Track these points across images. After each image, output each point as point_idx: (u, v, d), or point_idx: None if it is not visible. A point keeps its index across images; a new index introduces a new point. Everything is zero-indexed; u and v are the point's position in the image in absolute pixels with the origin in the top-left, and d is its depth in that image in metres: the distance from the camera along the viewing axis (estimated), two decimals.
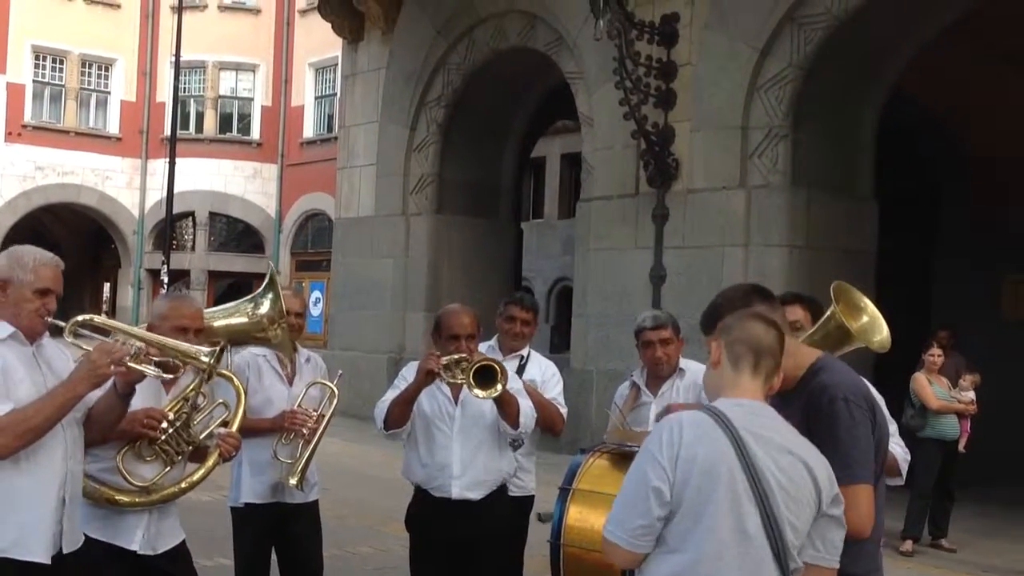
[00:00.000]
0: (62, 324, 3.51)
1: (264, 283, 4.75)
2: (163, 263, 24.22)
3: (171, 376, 3.70)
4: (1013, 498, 10.84)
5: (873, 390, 3.24)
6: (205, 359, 3.66)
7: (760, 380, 2.69)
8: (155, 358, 3.56)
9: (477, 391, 4.28)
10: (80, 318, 3.56)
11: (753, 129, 10.79)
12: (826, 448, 2.84)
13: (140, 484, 3.77)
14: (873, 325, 3.61)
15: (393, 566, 6.89)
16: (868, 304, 3.64)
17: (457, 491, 4.48)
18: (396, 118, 15.40)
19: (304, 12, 28.80)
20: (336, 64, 22.52)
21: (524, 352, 5.31)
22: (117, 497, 3.78)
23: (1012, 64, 12.86)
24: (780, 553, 2.51)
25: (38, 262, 3.47)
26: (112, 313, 33.89)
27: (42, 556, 3.37)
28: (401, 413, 4.51)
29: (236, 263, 32.61)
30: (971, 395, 9.25)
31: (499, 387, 4.27)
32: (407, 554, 4.75)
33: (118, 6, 32.67)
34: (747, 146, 10.81)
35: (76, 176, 32.03)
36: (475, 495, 4.50)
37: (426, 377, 4.39)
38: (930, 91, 13.23)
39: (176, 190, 24.58)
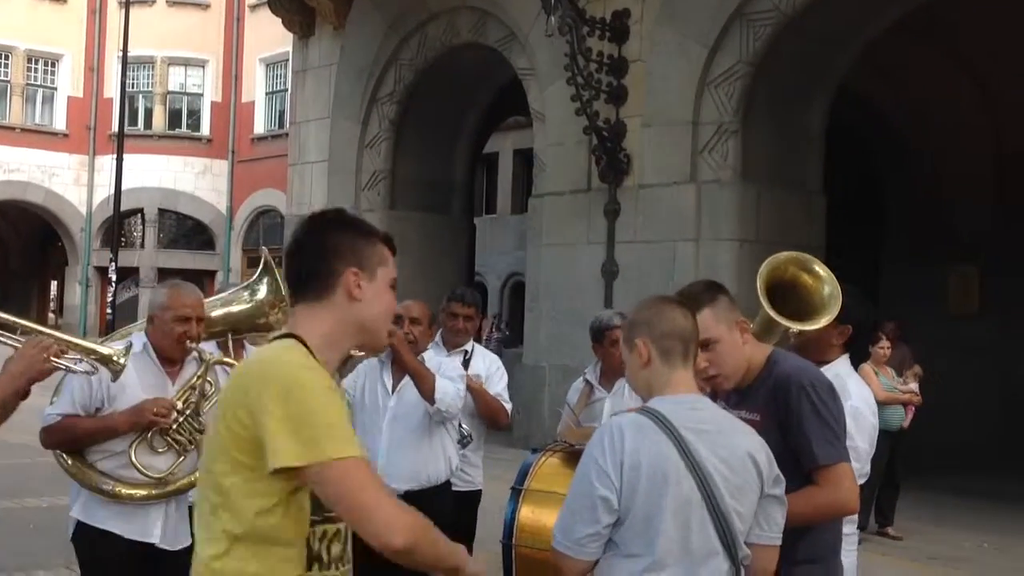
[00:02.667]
0: None
1: (259, 268, 4.72)
2: (111, 261, 23.91)
3: (85, 372, 3.61)
4: (957, 487, 11.06)
5: None
6: (122, 360, 3.62)
7: (690, 368, 2.69)
8: (70, 355, 3.57)
9: None
10: None
11: (703, 125, 10.89)
12: (804, 431, 2.94)
13: (156, 476, 3.82)
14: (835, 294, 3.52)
15: None
16: (825, 272, 3.57)
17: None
18: (348, 114, 15.35)
19: (254, 7, 28.58)
20: (287, 59, 22.38)
21: (468, 347, 5.33)
22: (134, 492, 3.82)
23: (951, 59, 13.10)
24: (729, 544, 2.56)
25: None
26: (60, 312, 33.43)
27: None
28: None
29: (186, 260, 32.27)
30: (914, 386, 9.43)
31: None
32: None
33: (64, 1, 32.22)
34: (697, 142, 10.90)
35: (22, 173, 31.53)
36: (399, 486, 4.41)
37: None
38: (875, 87, 13.45)
39: (125, 187, 24.29)
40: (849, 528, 3.53)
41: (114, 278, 23.96)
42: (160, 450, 3.84)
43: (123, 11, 24.69)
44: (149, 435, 3.81)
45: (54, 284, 35.03)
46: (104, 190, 30.26)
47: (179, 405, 3.86)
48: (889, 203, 14.81)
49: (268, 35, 25.28)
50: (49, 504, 8.09)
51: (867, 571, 3.65)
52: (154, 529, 3.88)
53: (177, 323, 3.89)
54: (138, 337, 3.99)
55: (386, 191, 15.06)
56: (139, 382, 3.86)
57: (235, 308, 4.62)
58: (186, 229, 32.61)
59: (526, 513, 4.10)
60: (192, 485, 3.86)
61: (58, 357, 3.46)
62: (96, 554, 3.86)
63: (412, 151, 15.09)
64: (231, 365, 4.08)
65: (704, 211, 10.77)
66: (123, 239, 29.23)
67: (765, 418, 2.94)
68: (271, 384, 2.10)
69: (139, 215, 31.81)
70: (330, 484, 2.09)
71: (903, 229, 14.42)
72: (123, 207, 24.94)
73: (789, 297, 3.54)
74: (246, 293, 4.66)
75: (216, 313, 4.46)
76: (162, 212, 31.95)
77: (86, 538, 3.88)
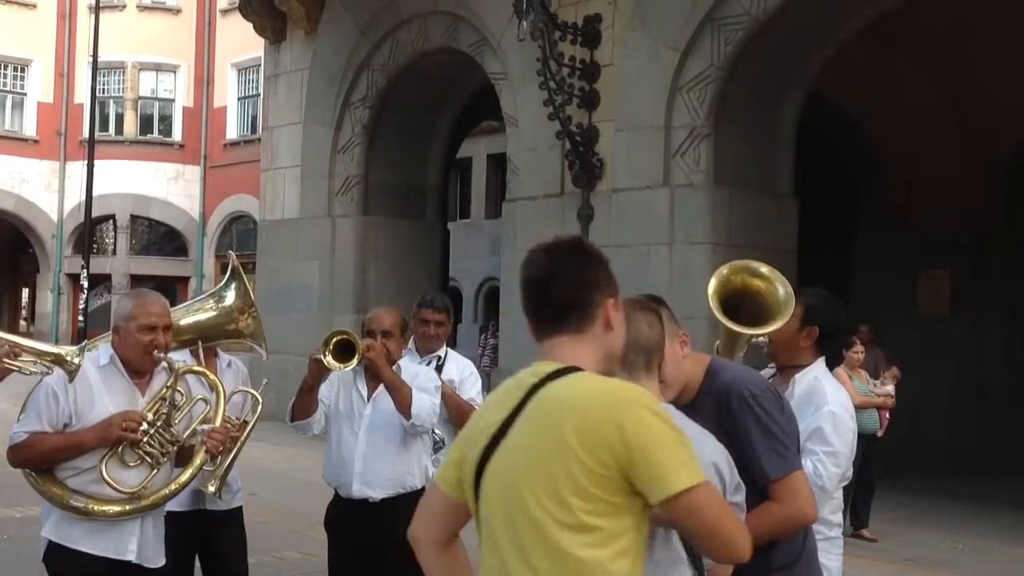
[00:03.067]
0: None
1: (227, 273, 4.62)
2: (83, 267, 23.72)
3: (40, 373, 3.63)
4: (931, 488, 11.12)
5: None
6: (69, 358, 3.62)
7: (655, 377, 2.65)
8: (26, 358, 3.63)
9: (332, 360, 4.37)
10: None
11: (675, 128, 10.91)
12: (750, 445, 2.85)
13: (128, 491, 3.69)
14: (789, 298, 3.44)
15: (320, 571, 6.79)
16: (772, 272, 3.51)
17: (357, 488, 4.49)
18: (320, 119, 15.29)
19: (225, 12, 28.44)
20: (259, 64, 22.28)
21: (441, 352, 5.32)
22: (107, 508, 3.69)
23: (917, 65, 13.21)
24: (694, 553, 2.53)
25: None
26: (32, 319, 33.15)
27: None
28: (303, 404, 4.58)
29: (159, 267, 32.07)
30: (890, 388, 9.47)
31: (355, 360, 4.37)
32: None
33: (34, 6, 31.96)
34: (670, 146, 10.93)
35: None
36: (375, 494, 4.48)
37: (312, 365, 4.47)
38: (843, 91, 13.53)
39: (96, 193, 24.10)
40: (835, 532, 3.50)
41: (86, 285, 23.77)
42: (132, 464, 3.72)
43: (93, 16, 24.51)
44: (120, 449, 3.69)
45: (25, 291, 34.73)
46: (75, 196, 30.01)
47: (149, 417, 3.74)
48: (860, 206, 14.90)
49: (240, 40, 25.16)
50: (22, 515, 8.00)
51: (843, 573, 3.62)
52: (129, 545, 3.76)
53: (143, 332, 3.78)
54: (105, 348, 3.87)
55: (359, 196, 15.02)
56: (108, 395, 3.75)
57: (204, 315, 4.54)
58: (159, 235, 32.40)
59: None
60: (168, 498, 3.81)
61: (12, 359, 3.57)
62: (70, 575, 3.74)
63: (385, 156, 15.06)
64: (203, 374, 4.03)
65: (677, 215, 10.79)
66: (95, 246, 29.02)
67: (716, 432, 2.76)
68: (635, 412, 2.08)
69: (111, 221, 31.58)
70: (702, 506, 2.09)
71: (874, 232, 14.51)
72: (95, 213, 24.77)
73: (747, 306, 3.51)
74: (213, 300, 4.57)
75: (185, 321, 4.37)
76: (134, 218, 31.73)
77: (59, 559, 3.76)
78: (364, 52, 14.59)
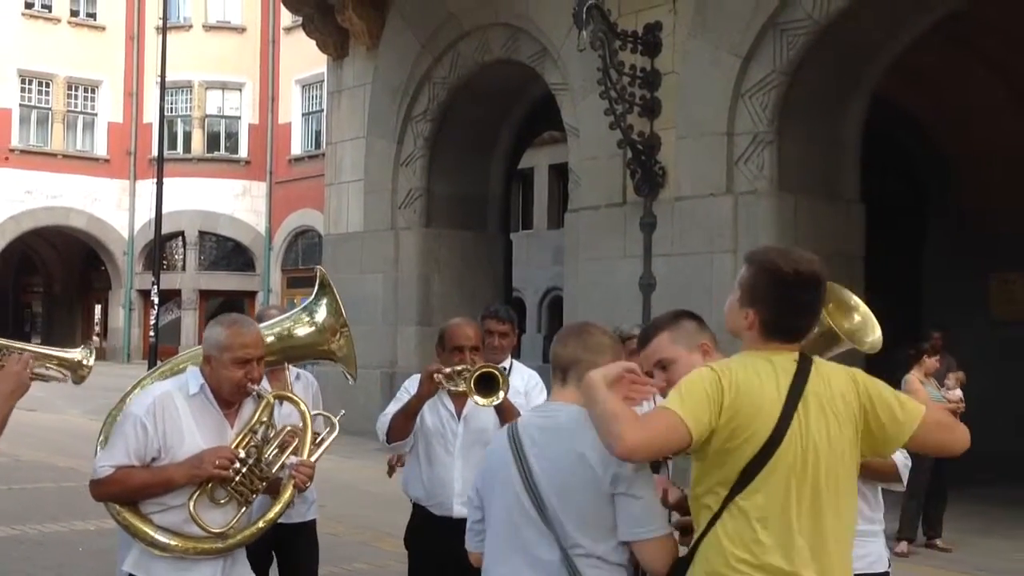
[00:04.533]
0: None
1: (316, 288, 4.34)
2: (153, 283, 24.17)
3: (61, 379, 3.59)
4: (1006, 497, 10.88)
5: None
6: (85, 361, 3.60)
7: (570, 387, 2.91)
8: (45, 366, 3.57)
9: (478, 398, 4.23)
10: None
11: (738, 135, 10.84)
12: None
13: (216, 530, 3.50)
14: (865, 325, 3.49)
15: None
16: (860, 304, 3.52)
17: (458, 509, 4.37)
18: (383, 133, 15.44)
19: (289, 29, 28.84)
20: (322, 80, 22.55)
21: (506, 363, 5.32)
22: (193, 546, 3.51)
23: (985, 65, 12.97)
24: (556, 533, 2.74)
25: None
26: (104, 335, 33.85)
27: None
28: (403, 425, 4.49)
29: (227, 281, 32.59)
30: (959, 393, 9.30)
31: (501, 394, 4.23)
32: (403, 570, 4.73)
33: (103, 28, 32.72)
34: (733, 152, 10.85)
35: (65, 199, 32.01)
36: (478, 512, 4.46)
37: (428, 383, 4.35)
38: (910, 93, 13.33)
39: (165, 210, 24.57)
40: (876, 524, 3.61)
41: (156, 301, 24.21)
42: (221, 502, 3.53)
43: (160, 36, 25.00)
44: (209, 486, 3.50)
45: (98, 308, 35.46)
46: (145, 214, 30.65)
47: (241, 454, 3.53)
48: (929, 208, 14.66)
49: (303, 57, 25.52)
50: (96, 527, 8.16)
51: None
52: None
53: (237, 366, 3.54)
54: (194, 376, 3.64)
55: (422, 209, 15.12)
56: (197, 428, 3.54)
57: (294, 335, 4.25)
58: (226, 251, 32.92)
59: None
60: (255, 536, 3.62)
61: (31, 370, 3.49)
62: None
63: (447, 168, 15.15)
64: (294, 402, 3.80)
65: (741, 222, 10.71)
66: (164, 262, 29.56)
67: None
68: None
69: (180, 238, 32.17)
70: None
71: (944, 235, 14.26)
72: (164, 230, 25.24)
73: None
74: (305, 316, 4.31)
75: (271, 340, 4.08)
76: (202, 234, 32.30)
77: None
78: (425, 66, 14.71)
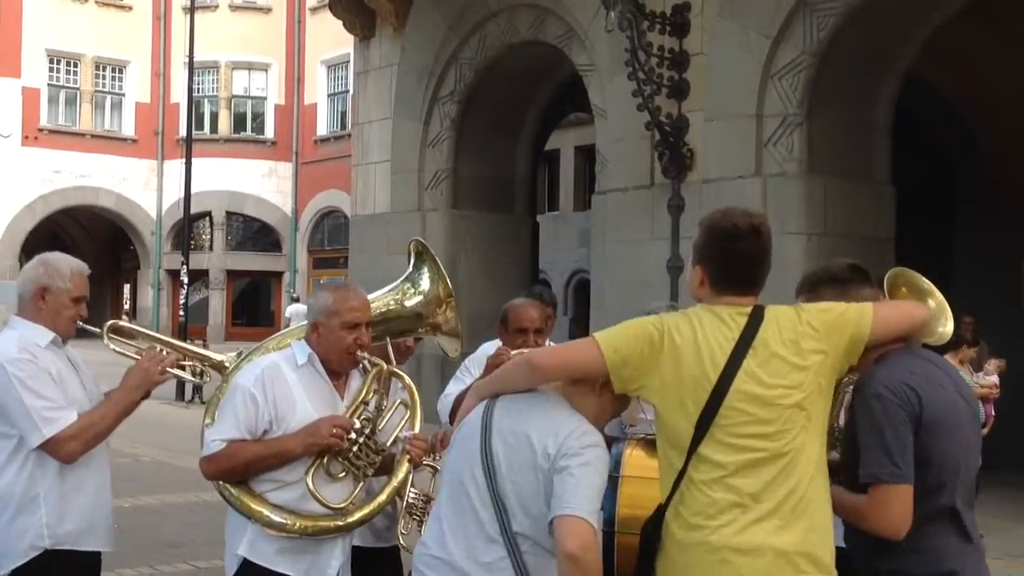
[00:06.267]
0: (96, 330, 3.74)
1: (413, 259, 4.13)
2: (183, 264, 24.29)
3: (199, 381, 3.73)
4: None
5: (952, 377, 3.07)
6: (228, 364, 3.67)
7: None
8: (182, 363, 3.75)
9: None
10: (112, 323, 3.80)
11: (767, 117, 10.75)
12: (862, 441, 2.85)
13: (336, 506, 3.35)
14: (939, 314, 3.19)
15: None
16: (934, 290, 3.22)
17: None
18: (409, 114, 15.41)
19: (315, 10, 28.86)
20: (348, 61, 22.55)
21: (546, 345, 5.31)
22: (312, 524, 3.34)
23: (1018, 46, 12.78)
24: (501, 514, 2.74)
25: (74, 271, 3.71)
26: (133, 314, 34.10)
27: (107, 546, 3.76)
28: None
29: (254, 262, 32.78)
30: (994, 379, 9.25)
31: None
32: None
33: (130, 8, 32.83)
34: (762, 134, 10.77)
35: (93, 178, 32.24)
36: None
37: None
38: (942, 76, 13.17)
39: (193, 190, 24.66)
40: None
41: (186, 280, 24.34)
42: (340, 476, 3.37)
43: (187, 17, 25.05)
44: (325, 460, 3.34)
45: (127, 288, 35.73)
46: (173, 194, 30.82)
47: (356, 424, 3.39)
48: (961, 192, 14.51)
49: (329, 37, 25.52)
50: (131, 505, 8.23)
51: None
52: (328, 569, 3.44)
53: (346, 330, 3.41)
54: (300, 347, 3.48)
55: (448, 190, 15.11)
56: (308, 399, 3.39)
57: (401, 307, 4.01)
58: (253, 231, 33.08)
59: (625, 500, 4.10)
60: (375, 513, 3.47)
61: (172, 367, 3.67)
62: None
63: (474, 150, 15.12)
64: (396, 373, 3.59)
65: (770, 205, 10.62)
66: (192, 242, 29.73)
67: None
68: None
69: (207, 218, 32.33)
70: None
71: (976, 218, 14.11)
72: (192, 210, 25.35)
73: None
74: (408, 288, 4.08)
75: (377, 313, 3.83)
76: (229, 215, 32.46)
77: None
78: (452, 47, 14.66)
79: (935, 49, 11.48)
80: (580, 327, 22.59)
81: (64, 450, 3.52)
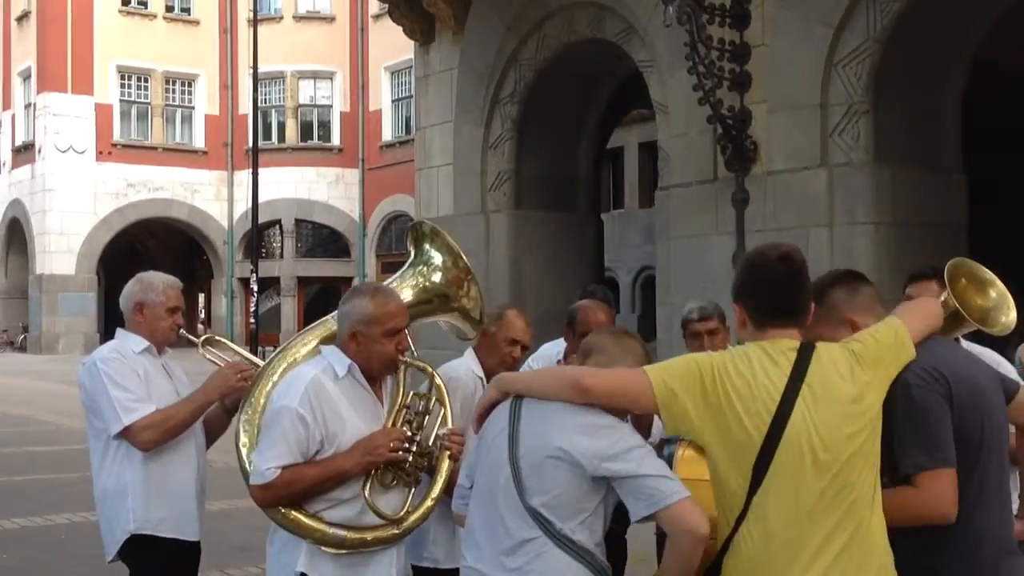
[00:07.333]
0: (195, 339, 4.19)
1: (427, 238, 4.05)
2: (252, 272, 24.66)
3: None
4: None
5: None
6: None
7: None
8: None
9: None
10: (206, 336, 4.24)
11: (832, 106, 10.58)
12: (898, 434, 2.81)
13: (392, 516, 3.32)
14: (1001, 304, 3.20)
15: None
16: (995, 280, 3.21)
17: None
18: (470, 117, 15.45)
19: (377, 17, 29.11)
20: (410, 67, 22.69)
21: None
22: (371, 535, 3.31)
23: None
24: (527, 505, 2.77)
25: (166, 284, 4.14)
26: (208, 323, 34.69)
27: (195, 535, 4.04)
28: None
29: (324, 268, 33.12)
30: None
31: None
32: None
33: (197, 22, 33.43)
34: (827, 124, 10.60)
35: (166, 191, 32.89)
36: None
37: None
38: (1011, 57, 12.85)
39: (262, 199, 25.08)
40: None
41: (256, 289, 24.71)
42: (392, 484, 3.35)
43: (252, 29, 25.41)
44: (378, 472, 3.31)
45: (201, 297, 36.35)
46: (243, 203, 31.28)
47: (408, 433, 3.35)
48: None
49: (392, 43, 25.72)
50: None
51: None
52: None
53: (389, 338, 3.34)
54: (335, 356, 3.37)
55: (511, 191, 15.11)
56: (355, 412, 3.32)
57: (426, 291, 3.96)
58: (322, 238, 33.43)
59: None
60: (425, 516, 3.45)
61: (250, 380, 3.85)
62: None
63: (535, 150, 15.10)
64: (425, 369, 3.55)
65: (837, 195, 10.46)
66: (263, 250, 30.17)
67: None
68: None
69: (277, 226, 32.76)
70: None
71: None
72: (261, 219, 25.75)
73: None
74: (424, 269, 4.02)
75: (409, 302, 3.80)
76: (298, 222, 32.85)
77: None
78: (511, 48, 14.67)
79: (1009, 33, 11.20)
80: (647, 323, 22.43)
81: (140, 438, 3.86)
